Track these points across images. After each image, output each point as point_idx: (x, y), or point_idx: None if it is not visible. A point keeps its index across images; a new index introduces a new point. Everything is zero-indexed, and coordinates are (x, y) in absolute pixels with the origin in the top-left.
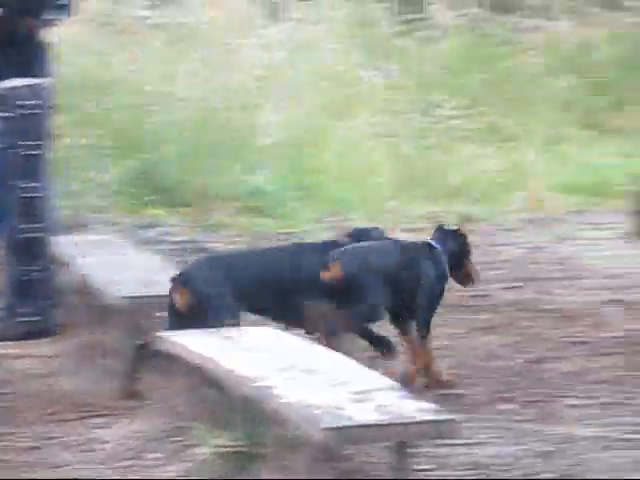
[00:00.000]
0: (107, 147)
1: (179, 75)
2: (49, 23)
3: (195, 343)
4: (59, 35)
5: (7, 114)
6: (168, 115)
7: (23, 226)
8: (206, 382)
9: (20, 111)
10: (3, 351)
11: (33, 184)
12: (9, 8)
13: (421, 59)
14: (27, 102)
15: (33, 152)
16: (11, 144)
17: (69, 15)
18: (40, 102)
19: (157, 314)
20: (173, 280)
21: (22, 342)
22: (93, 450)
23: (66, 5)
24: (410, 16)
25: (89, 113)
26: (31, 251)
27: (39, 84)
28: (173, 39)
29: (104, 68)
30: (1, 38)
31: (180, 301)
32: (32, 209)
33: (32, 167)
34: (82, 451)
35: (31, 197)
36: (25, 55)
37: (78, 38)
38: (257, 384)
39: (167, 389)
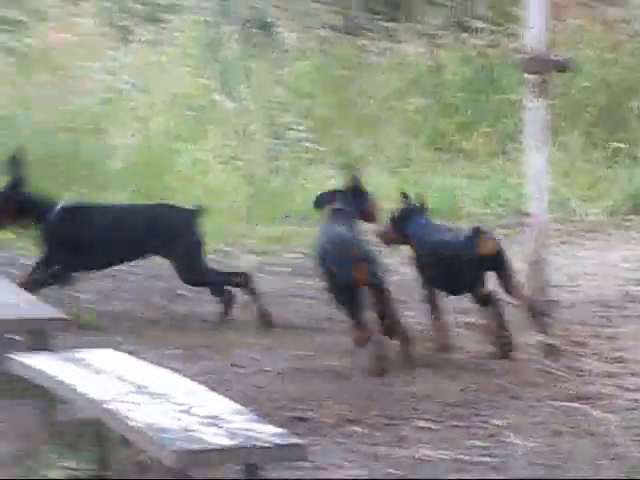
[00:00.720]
0: None
1: (27, 98)
2: None
3: (45, 365)
4: None
5: None
6: (17, 139)
7: None
8: (56, 404)
9: None
10: None
11: None
12: None
13: (271, 82)
14: None
15: None
16: None
17: None
18: None
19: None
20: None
21: None
22: None
23: None
24: (259, 39)
25: None
26: None
27: None
28: (22, 62)
29: None
30: None
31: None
32: None
33: None
34: None
35: None
36: None
37: None
38: (106, 407)
39: (17, 412)
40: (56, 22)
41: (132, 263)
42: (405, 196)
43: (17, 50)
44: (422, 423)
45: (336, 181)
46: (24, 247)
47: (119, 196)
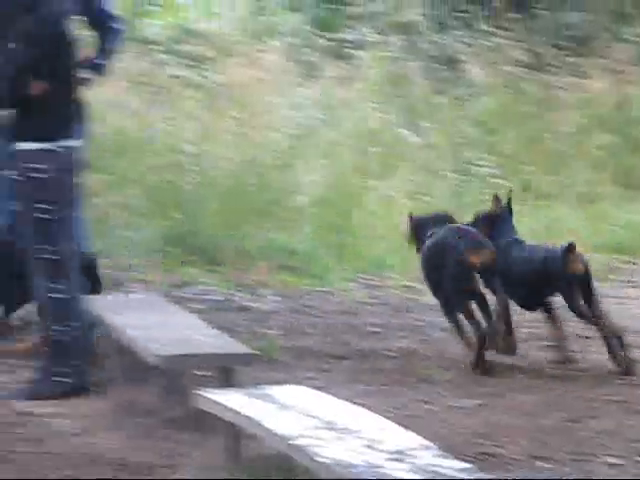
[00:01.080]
0: (142, 206)
1: (214, 134)
2: (84, 82)
3: (232, 400)
4: (95, 94)
5: (20, 177)
6: (203, 174)
7: (52, 286)
8: (241, 440)
9: (29, 174)
10: (38, 410)
11: (50, 247)
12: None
13: (456, 117)
14: (38, 166)
15: (47, 216)
16: (26, 207)
17: (103, 74)
18: (52, 166)
19: (194, 372)
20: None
21: (57, 401)
22: None
23: (102, 64)
24: (445, 74)
25: (124, 172)
26: (63, 311)
27: (54, 148)
28: (208, 98)
29: (139, 127)
30: (11, 100)
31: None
32: (57, 270)
33: (48, 230)
34: None
35: (54, 259)
36: (44, 117)
37: (114, 97)
38: (293, 442)
39: (204, 447)
40: (242, 58)
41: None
42: (497, 199)
43: (203, 86)
44: (610, 459)
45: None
46: (209, 282)
47: (305, 230)
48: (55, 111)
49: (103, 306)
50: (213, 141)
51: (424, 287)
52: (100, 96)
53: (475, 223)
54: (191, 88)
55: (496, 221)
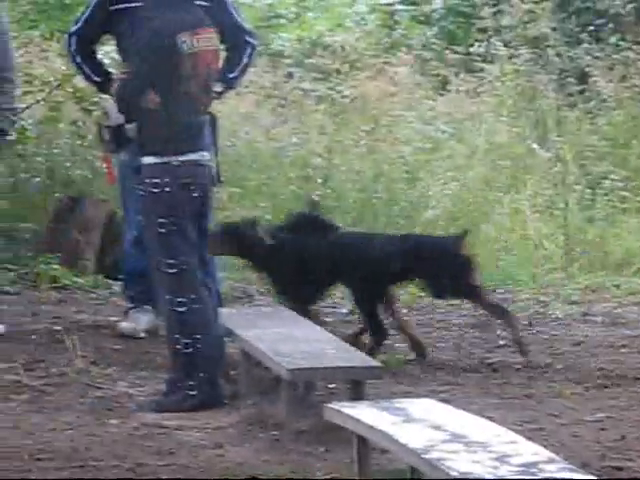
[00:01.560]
0: (272, 220)
1: (343, 147)
2: (216, 95)
3: (362, 413)
4: (226, 107)
5: (143, 192)
6: (332, 188)
7: (174, 299)
8: (370, 453)
9: (150, 188)
10: (167, 423)
11: (171, 260)
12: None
13: (586, 131)
14: (157, 180)
15: (168, 229)
16: (148, 221)
17: (235, 87)
18: (171, 180)
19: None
20: None
21: (186, 414)
22: None
23: (235, 78)
24: (575, 88)
25: (254, 185)
26: (189, 324)
27: (173, 162)
28: (338, 111)
29: (269, 140)
30: (132, 113)
31: None
32: (180, 283)
33: (168, 244)
34: None
35: (175, 272)
36: (165, 131)
37: (244, 111)
38: (422, 455)
39: (333, 460)
40: (372, 71)
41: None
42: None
43: (332, 99)
44: None
45: None
46: (336, 295)
47: None
48: (177, 125)
49: (233, 319)
50: (342, 154)
51: (552, 300)
52: (231, 109)
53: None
54: (321, 101)
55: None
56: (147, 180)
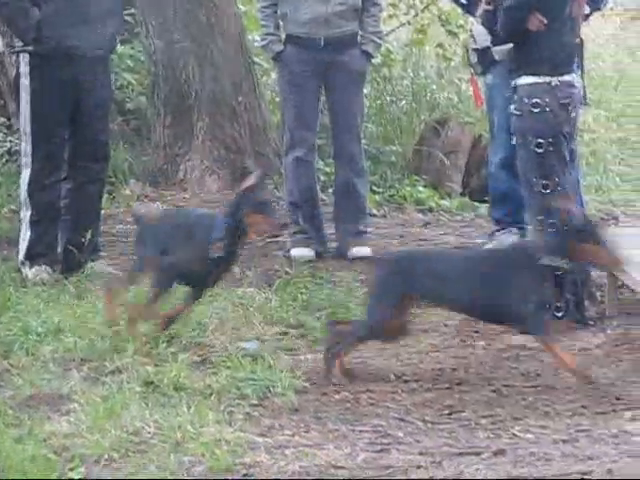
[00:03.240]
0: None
1: None
2: (584, 18)
3: None
4: (593, 30)
5: (519, 112)
6: None
7: (552, 221)
8: None
9: (529, 108)
10: (534, 344)
11: (544, 181)
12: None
13: None
14: (537, 100)
15: (545, 149)
16: (524, 141)
17: (602, 9)
18: (552, 100)
19: None
20: None
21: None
22: (626, 443)
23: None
24: None
25: (619, 108)
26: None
27: (553, 82)
28: None
29: (635, 62)
30: (510, 34)
31: None
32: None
33: (544, 164)
34: (615, 444)
35: (552, 192)
36: (542, 51)
37: (610, 33)
38: None
39: None
40: None
41: None
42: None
43: None
44: None
45: None
46: None
47: None
48: (559, 46)
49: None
50: None
51: None
52: (598, 32)
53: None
54: None
55: None
56: (525, 100)
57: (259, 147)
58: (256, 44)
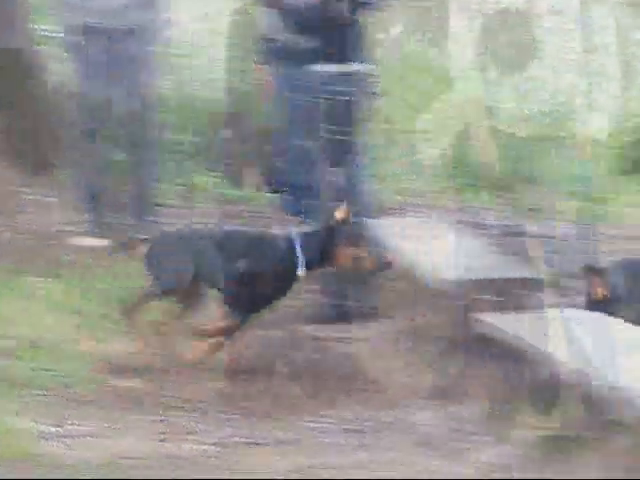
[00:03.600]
0: (425, 131)
1: None
2: (368, 7)
3: (510, 324)
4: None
5: (315, 99)
6: None
7: None
8: (524, 365)
9: (326, 96)
10: (321, 334)
11: (338, 169)
12: None
13: None
14: (337, 88)
15: (340, 137)
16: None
17: None
18: (350, 89)
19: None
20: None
21: (339, 325)
22: (413, 434)
23: None
24: None
25: (406, 97)
26: None
27: (352, 71)
28: None
29: (424, 54)
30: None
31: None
32: (342, 193)
33: (338, 153)
34: (400, 433)
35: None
36: (340, 40)
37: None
38: (574, 367)
39: (483, 373)
40: None
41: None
42: None
43: None
44: None
45: None
46: (492, 208)
47: None
48: (348, 32)
49: (384, 230)
50: None
51: None
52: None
53: None
54: None
55: None
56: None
57: None
58: None
